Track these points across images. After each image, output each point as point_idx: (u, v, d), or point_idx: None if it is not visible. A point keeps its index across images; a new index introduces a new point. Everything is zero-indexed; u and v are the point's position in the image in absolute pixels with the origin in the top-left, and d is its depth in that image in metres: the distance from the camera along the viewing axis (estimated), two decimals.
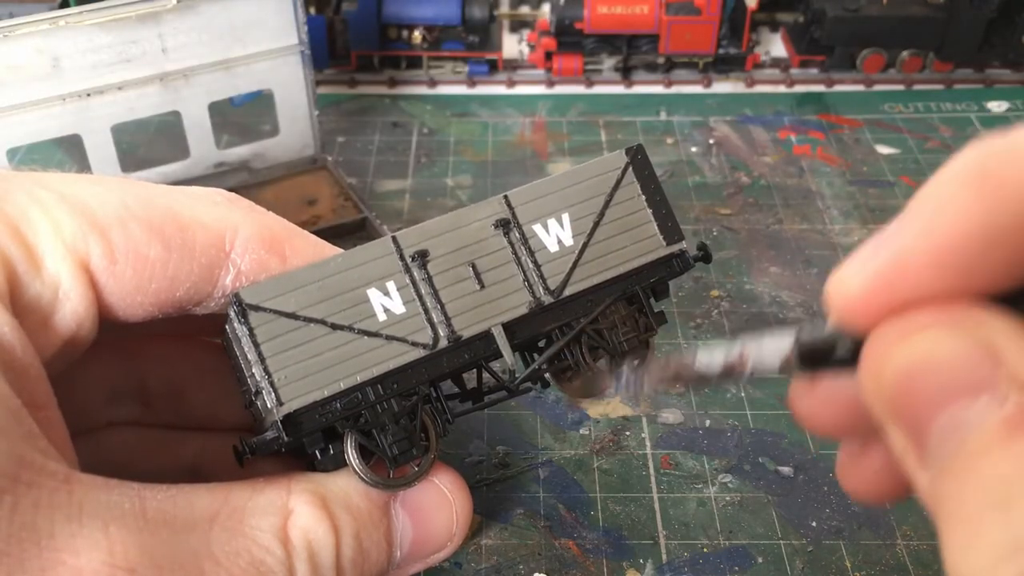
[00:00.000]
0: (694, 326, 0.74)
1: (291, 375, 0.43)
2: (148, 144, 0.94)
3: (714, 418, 0.66)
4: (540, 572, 0.56)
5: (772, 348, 0.33)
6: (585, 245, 0.48)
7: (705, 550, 0.57)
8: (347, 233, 0.80)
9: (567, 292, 0.47)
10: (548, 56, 1.05)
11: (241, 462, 0.45)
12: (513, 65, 1.08)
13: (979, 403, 0.26)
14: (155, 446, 0.53)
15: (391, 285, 0.45)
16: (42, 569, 0.34)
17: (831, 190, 0.89)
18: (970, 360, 0.26)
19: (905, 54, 1.04)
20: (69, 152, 0.90)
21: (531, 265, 0.47)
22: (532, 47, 1.08)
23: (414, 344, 0.45)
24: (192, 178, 0.83)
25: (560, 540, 0.58)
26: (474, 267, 0.46)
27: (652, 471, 0.62)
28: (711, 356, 0.35)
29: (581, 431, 0.65)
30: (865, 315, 0.30)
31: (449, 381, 0.49)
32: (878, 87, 1.06)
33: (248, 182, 0.85)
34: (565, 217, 0.48)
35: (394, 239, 0.46)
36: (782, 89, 1.06)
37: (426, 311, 0.45)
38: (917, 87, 1.05)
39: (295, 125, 0.86)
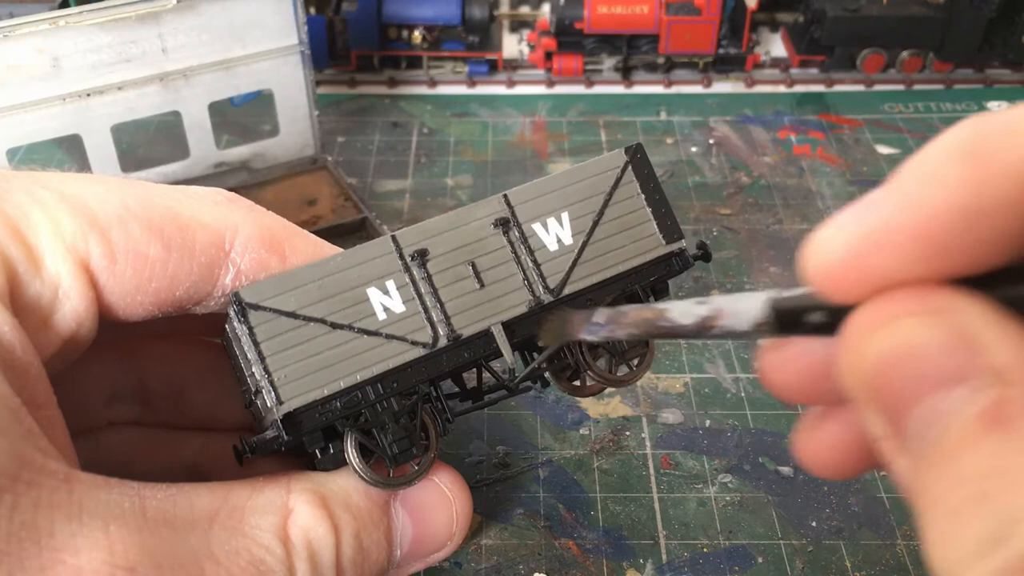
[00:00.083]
0: None
1: (291, 374, 0.43)
2: (148, 144, 0.94)
3: (714, 418, 0.66)
4: (540, 572, 0.56)
5: (746, 307, 0.33)
6: (585, 244, 0.48)
7: (705, 550, 0.57)
8: (347, 233, 0.80)
9: (567, 291, 0.47)
10: (548, 56, 1.05)
11: (241, 461, 0.45)
12: (513, 65, 1.08)
13: (958, 393, 0.26)
14: (155, 446, 0.53)
15: (391, 284, 0.45)
16: (42, 568, 0.34)
17: (831, 190, 0.89)
18: (949, 349, 0.26)
19: (905, 54, 1.04)
20: (69, 152, 0.90)
21: (531, 264, 0.47)
22: (532, 47, 1.08)
23: (414, 343, 0.45)
24: (192, 178, 0.83)
25: (560, 540, 0.58)
26: (474, 266, 0.46)
27: (652, 471, 0.62)
28: (685, 308, 0.34)
29: (581, 431, 0.65)
30: (842, 287, 0.29)
31: (449, 380, 0.49)
32: (878, 87, 1.06)
33: (248, 182, 0.85)
34: (565, 216, 0.48)
35: (394, 238, 0.46)
36: (782, 89, 1.06)
37: (426, 310, 0.45)
38: (917, 87, 1.05)
39: (295, 125, 0.86)
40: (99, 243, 0.42)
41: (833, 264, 0.29)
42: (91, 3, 0.73)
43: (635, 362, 0.50)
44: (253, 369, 0.43)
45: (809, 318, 0.31)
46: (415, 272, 0.45)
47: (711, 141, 0.97)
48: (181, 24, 0.76)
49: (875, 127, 0.99)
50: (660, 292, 0.50)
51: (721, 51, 1.06)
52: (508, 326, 0.47)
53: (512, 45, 1.11)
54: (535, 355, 0.49)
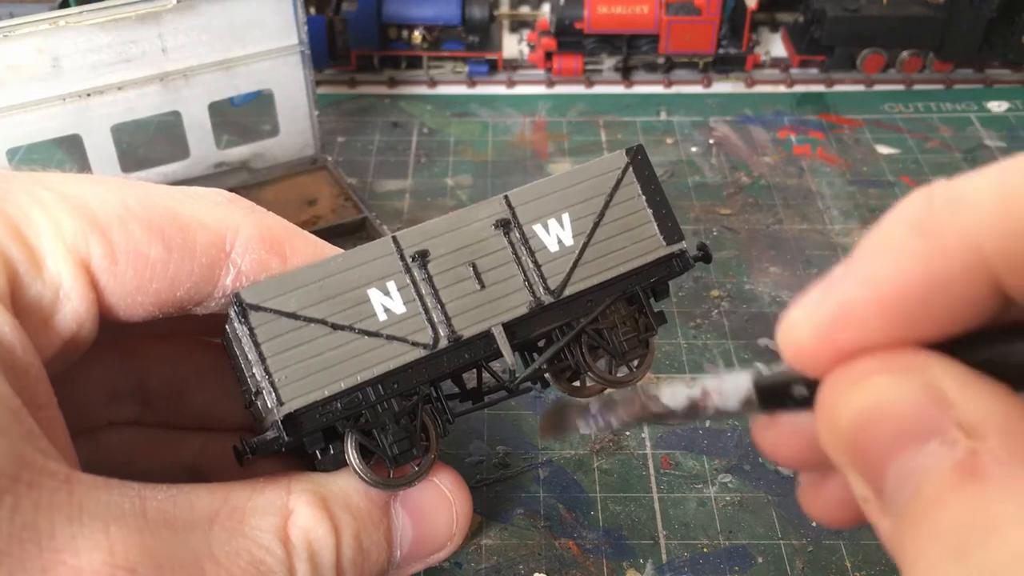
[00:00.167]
0: (694, 326, 0.74)
1: (292, 375, 0.43)
2: (148, 144, 0.94)
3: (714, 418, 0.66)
4: (540, 572, 0.56)
5: (732, 388, 0.34)
6: (585, 245, 0.48)
7: (705, 550, 0.57)
8: (347, 233, 0.80)
9: (567, 292, 0.47)
10: (548, 56, 1.05)
11: (241, 462, 0.45)
12: (513, 65, 1.08)
13: (929, 448, 0.26)
14: (155, 446, 0.53)
15: (391, 285, 0.45)
16: (43, 569, 0.34)
17: (831, 190, 0.89)
18: (918, 405, 0.27)
19: (905, 54, 1.04)
20: (69, 152, 0.90)
21: (531, 265, 0.47)
22: (532, 47, 1.08)
23: (414, 344, 0.45)
24: (192, 178, 0.83)
25: (560, 540, 0.58)
26: (474, 267, 0.46)
27: (652, 471, 0.62)
28: (675, 393, 0.35)
29: (581, 431, 0.65)
30: (814, 362, 0.30)
31: (449, 381, 0.49)
32: (878, 87, 1.06)
33: (248, 182, 0.85)
34: (565, 217, 0.48)
35: (394, 239, 0.46)
36: (782, 89, 1.06)
37: (426, 311, 0.45)
38: (917, 87, 1.05)
39: (295, 125, 0.86)
40: (100, 244, 0.42)
41: (803, 342, 0.30)
42: (91, 3, 0.73)
43: (635, 363, 0.50)
44: (254, 370, 0.43)
45: (792, 393, 0.32)
46: (416, 273, 0.45)
47: (711, 141, 0.97)
48: (181, 24, 0.76)
49: (875, 127, 0.99)
50: (660, 293, 0.50)
51: (721, 51, 1.06)
52: (509, 327, 0.47)
53: (512, 45, 1.11)
54: (535, 356, 0.49)
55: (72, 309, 0.41)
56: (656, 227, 0.49)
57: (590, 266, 0.48)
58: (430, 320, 0.45)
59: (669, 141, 0.97)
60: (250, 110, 0.98)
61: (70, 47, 0.73)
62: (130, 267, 0.42)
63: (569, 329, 0.48)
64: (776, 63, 1.09)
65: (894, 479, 0.27)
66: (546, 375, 0.50)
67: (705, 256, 0.51)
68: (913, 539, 0.26)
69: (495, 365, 0.48)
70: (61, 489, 0.35)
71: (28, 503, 0.34)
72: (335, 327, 0.44)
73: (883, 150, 0.95)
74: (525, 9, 1.16)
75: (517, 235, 0.47)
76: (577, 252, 0.48)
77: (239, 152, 0.86)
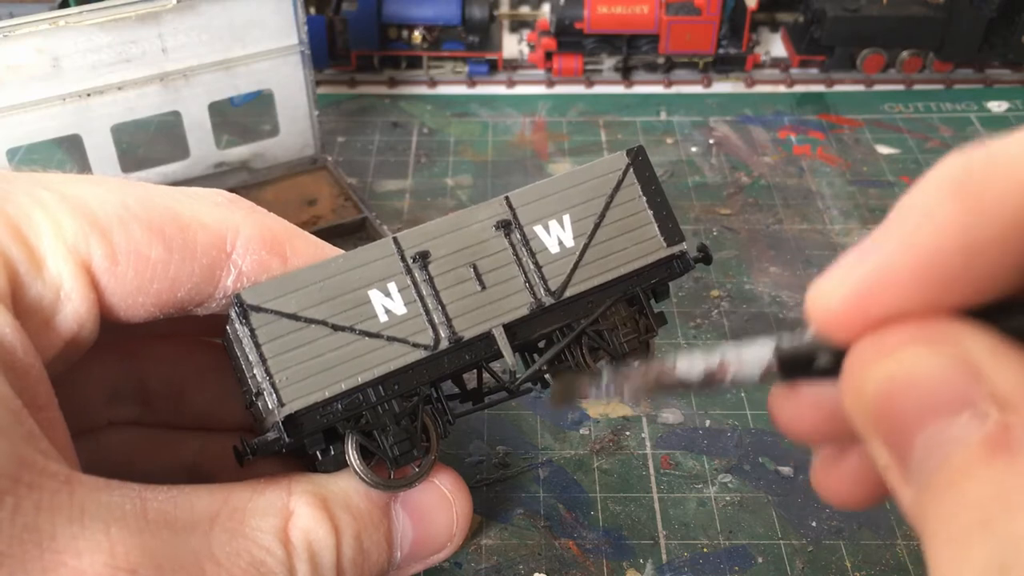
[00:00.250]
0: (694, 326, 0.74)
1: (292, 376, 0.43)
2: (148, 144, 0.94)
3: (714, 418, 0.66)
4: (540, 572, 0.56)
5: (752, 357, 0.33)
6: (586, 246, 0.48)
7: (705, 550, 0.57)
8: (347, 233, 0.80)
9: (568, 293, 0.47)
10: (548, 56, 1.05)
11: (242, 462, 0.45)
12: (513, 65, 1.08)
13: (960, 421, 0.26)
14: (155, 446, 0.53)
15: (392, 286, 0.45)
16: (44, 570, 0.34)
17: (831, 190, 0.89)
18: (950, 377, 0.26)
19: (905, 54, 1.04)
20: (69, 152, 0.90)
21: (532, 266, 0.47)
22: (532, 47, 1.08)
23: (415, 345, 0.45)
24: (192, 178, 0.83)
25: (560, 540, 0.58)
26: (475, 268, 0.46)
27: (652, 471, 0.62)
28: (691, 363, 0.35)
29: (581, 431, 0.65)
30: (845, 329, 0.30)
31: (449, 381, 0.49)
32: (878, 87, 1.06)
33: (248, 182, 0.85)
34: (566, 218, 0.48)
35: (395, 240, 0.46)
36: (782, 89, 1.06)
37: (427, 312, 0.45)
38: (917, 87, 1.05)
39: (295, 125, 0.86)
40: (100, 244, 0.42)
41: (836, 307, 0.30)
42: (91, 3, 0.73)
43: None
44: (255, 371, 0.43)
45: (815, 362, 0.32)
46: (416, 274, 0.45)
47: (711, 141, 0.97)
48: (181, 24, 0.76)
49: (875, 127, 0.99)
50: (661, 294, 0.50)
51: (721, 51, 1.06)
52: (509, 328, 0.47)
53: (512, 45, 1.11)
54: (536, 357, 0.49)
55: (73, 310, 0.41)
56: (657, 228, 0.49)
57: (591, 267, 0.48)
58: (431, 321, 0.45)
59: (669, 141, 0.97)
60: (250, 110, 0.98)
61: (70, 47, 0.73)
62: (131, 268, 0.42)
63: (570, 330, 0.48)
64: (776, 63, 1.09)
65: (921, 450, 0.26)
66: (546, 376, 0.50)
67: (705, 257, 0.51)
68: (939, 509, 0.26)
69: (495, 366, 0.48)
70: (62, 490, 0.35)
71: (29, 504, 0.34)
72: (336, 328, 0.44)
73: (883, 150, 0.95)
74: (525, 9, 1.16)
75: (518, 236, 0.47)
76: (578, 253, 0.48)
77: (239, 152, 0.86)
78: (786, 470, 0.62)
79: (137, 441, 0.52)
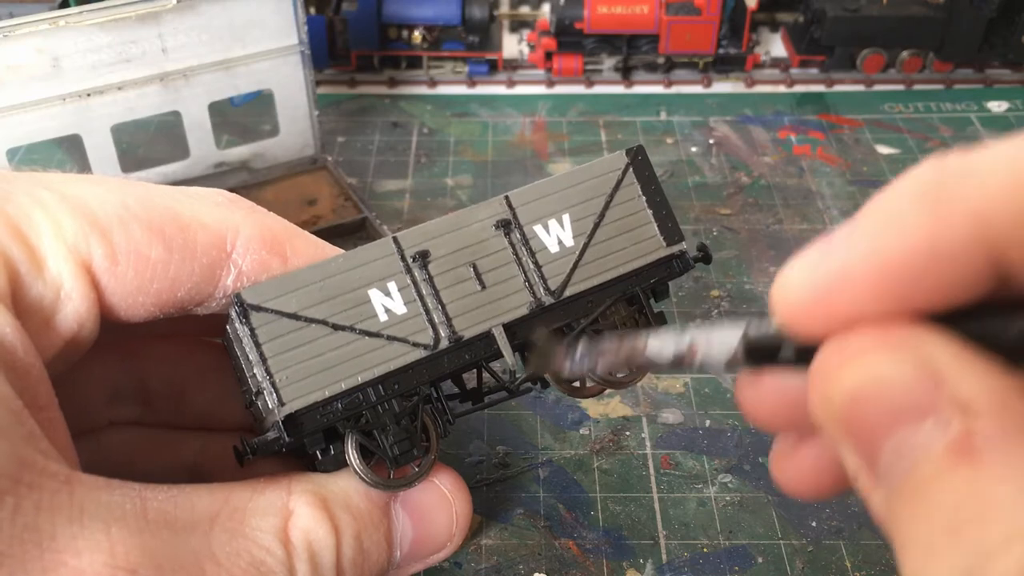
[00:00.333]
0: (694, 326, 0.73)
1: (292, 375, 0.43)
2: (148, 144, 0.94)
3: (714, 418, 0.66)
4: (540, 572, 0.56)
5: (720, 341, 0.33)
6: (586, 246, 0.48)
7: (705, 550, 0.58)
8: (347, 233, 0.80)
9: (568, 293, 0.47)
10: (548, 56, 1.05)
11: (242, 462, 0.45)
12: (513, 65, 1.08)
13: (924, 427, 0.26)
14: (156, 446, 0.53)
15: (392, 286, 0.45)
16: (44, 570, 0.34)
17: (831, 190, 0.89)
18: (912, 384, 0.27)
19: (905, 54, 1.04)
20: (69, 152, 0.90)
21: (532, 266, 0.47)
22: (532, 47, 1.08)
23: (415, 344, 0.45)
24: (192, 178, 0.83)
25: (560, 540, 0.58)
26: (475, 268, 0.46)
27: (652, 471, 0.62)
28: (662, 344, 0.35)
29: (581, 431, 0.65)
30: (807, 324, 0.30)
31: (449, 381, 0.49)
32: (878, 87, 1.06)
33: (248, 182, 0.85)
34: (566, 218, 0.48)
35: (395, 240, 0.46)
36: (782, 89, 1.06)
37: (427, 312, 0.45)
38: (917, 87, 1.05)
39: (295, 125, 0.86)
40: (101, 244, 0.42)
41: (798, 302, 0.30)
42: (91, 3, 0.73)
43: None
44: (255, 370, 0.43)
45: (781, 352, 0.32)
46: (416, 274, 0.46)
47: (711, 141, 0.97)
48: (181, 24, 0.76)
49: (875, 127, 0.99)
50: (660, 294, 0.50)
51: (721, 51, 1.06)
52: (509, 328, 0.47)
53: (512, 45, 1.11)
54: None
55: (73, 309, 0.41)
56: (656, 228, 0.49)
57: (590, 267, 0.48)
58: (431, 321, 0.45)
59: (669, 141, 0.97)
60: (250, 110, 0.98)
61: (70, 47, 0.73)
62: (131, 267, 0.42)
63: (569, 330, 0.48)
64: (776, 63, 1.09)
65: (889, 456, 0.27)
66: (546, 375, 0.50)
67: (705, 257, 0.51)
68: (908, 516, 0.26)
69: (495, 365, 0.48)
70: (62, 490, 0.35)
71: (29, 504, 0.34)
72: (336, 328, 0.44)
73: (883, 150, 0.95)
74: (525, 9, 1.16)
75: (518, 236, 0.47)
76: (577, 253, 0.48)
77: (239, 152, 0.86)
78: None
79: (138, 441, 0.53)
